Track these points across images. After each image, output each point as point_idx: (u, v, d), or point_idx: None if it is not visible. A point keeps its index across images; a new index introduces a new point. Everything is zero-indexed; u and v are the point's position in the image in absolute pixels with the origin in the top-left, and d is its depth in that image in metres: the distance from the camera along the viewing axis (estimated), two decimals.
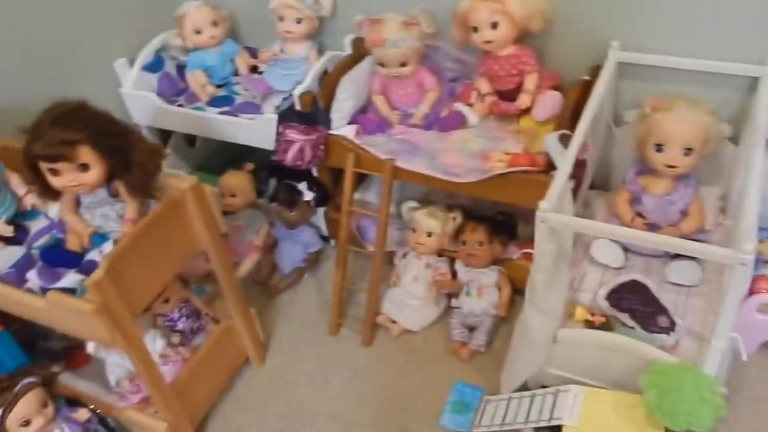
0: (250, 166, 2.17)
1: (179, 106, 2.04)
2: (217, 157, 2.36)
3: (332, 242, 2.22)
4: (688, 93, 1.62)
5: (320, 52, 2.04)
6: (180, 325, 1.75)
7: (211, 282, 1.95)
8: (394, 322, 1.96)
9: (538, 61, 1.75)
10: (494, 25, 1.68)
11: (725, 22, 1.60)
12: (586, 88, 1.65)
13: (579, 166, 1.53)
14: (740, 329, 1.39)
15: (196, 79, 2.05)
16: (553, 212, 1.33)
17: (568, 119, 1.63)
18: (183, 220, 1.52)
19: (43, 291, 1.41)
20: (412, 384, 1.84)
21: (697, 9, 1.61)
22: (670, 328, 1.46)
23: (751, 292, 1.60)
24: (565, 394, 1.45)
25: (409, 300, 1.95)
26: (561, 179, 1.39)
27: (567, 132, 1.56)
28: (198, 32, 2.02)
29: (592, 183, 1.82)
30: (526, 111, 1.77)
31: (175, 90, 2.10)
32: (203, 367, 1.72)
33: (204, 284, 1.95)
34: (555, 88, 1.75)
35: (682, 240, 1.31)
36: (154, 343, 1.66)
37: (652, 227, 1.63)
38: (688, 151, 1.56)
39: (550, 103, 1.72)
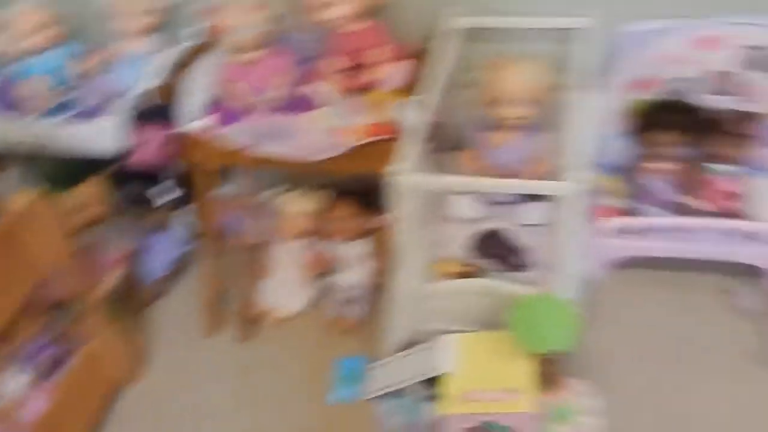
0: (103, 174, 2.06)
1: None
2: (66, 169, 2.22)
3: (200, 242, 2.16)
4: (528, 50, 1.75)
5: (168, 44, 1.96)
6: (41, 356, 1.64)
7: (75, 303, 1.85)
8: (271, 311, 1.94)
9: (387, 33, 1.79)
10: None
11: None
12: (433, 55, 1.72)
13: (428, 129, 1.59)
14: (591, 254, 1.52)
15: (29, 88, 1.92)
16: (404, 174, 1.38)
17: (417, 86, 1.68)
18: (20, 247, 1.41)
19: None
20: (296, 371, 1.83)
21: None
22: (527, 264, 1.57)
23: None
24: (441, 344, 1.50)
25: (285, 286, 1.94)
26: (407, 142, 1.46)
27: (415, 98, 1.61)
28: (27, 38, 1.89)
29: (445, 146, 1.88)
30: (378, 83, 1.81)
31: (5, 104, 1.94)
32: (71, 396, 1.62)
33: (67, 307, 1.84)
34: (404, 57, 1.79)
35: (517, 181, 1.46)
36: (14, 382, 1.55)
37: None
38: (524, 104, 1.66)
39: (398, 73, 1.75)
